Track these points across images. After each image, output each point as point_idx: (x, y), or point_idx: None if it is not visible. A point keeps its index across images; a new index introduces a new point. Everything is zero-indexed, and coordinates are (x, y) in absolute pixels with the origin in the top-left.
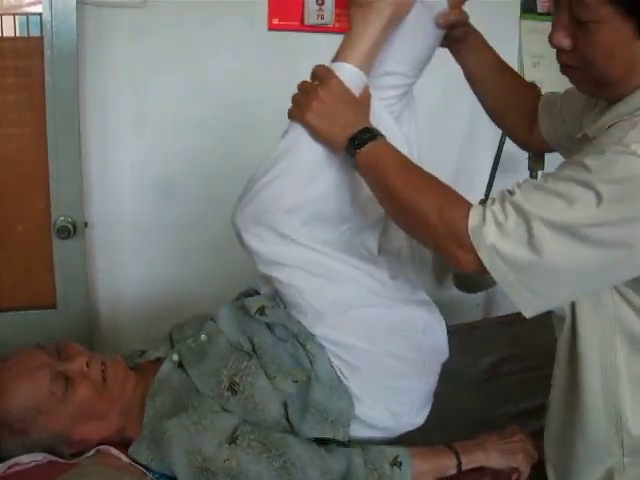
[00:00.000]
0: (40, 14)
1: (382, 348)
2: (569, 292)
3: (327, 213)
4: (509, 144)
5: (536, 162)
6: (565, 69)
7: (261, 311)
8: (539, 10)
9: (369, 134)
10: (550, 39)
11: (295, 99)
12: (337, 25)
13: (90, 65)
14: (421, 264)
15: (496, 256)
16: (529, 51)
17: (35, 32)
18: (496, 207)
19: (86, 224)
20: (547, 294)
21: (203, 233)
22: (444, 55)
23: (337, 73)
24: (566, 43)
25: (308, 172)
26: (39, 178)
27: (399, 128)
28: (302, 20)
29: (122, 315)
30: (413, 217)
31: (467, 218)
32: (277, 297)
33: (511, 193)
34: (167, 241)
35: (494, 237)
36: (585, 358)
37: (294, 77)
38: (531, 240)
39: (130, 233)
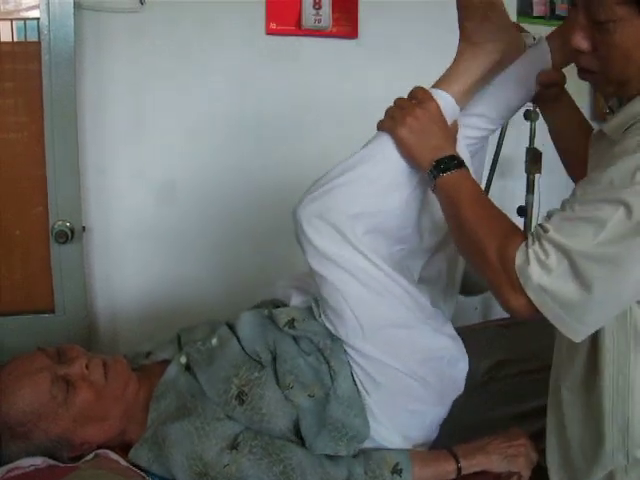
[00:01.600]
0: (38, 19)
1: (410, 370)
2: (617, 310)
3: (389, 229)
4: (507, 148)
5: (533, 166)
6: (583, 73)
7: (290, 324)
8: (535, 14)
9: (456, 162)
10: (570, 42)
11: (389, 112)
12: (334, 29)
13: (88, 69)
14: (451, 298)
15: (544, 294)
16: None
17: (33, 37)
18: (536, 246)
19: (84, 228)
20: (598, 320)
21: (201, 237)
22: (444, 58)
23: (435, 98)
24: (585, 45)
25: (384, 183)
26: (37, 182)
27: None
28: (299, 24)
29: (120, 319)
30: (475, 250)
31: (515, 258)
32: (314, 305)
33: (544, 229)
34: (165, 245)
35: (539, 276)
36: (604, 371)
37: (292, 81)
38: (576, 275)
39: (128, 237)
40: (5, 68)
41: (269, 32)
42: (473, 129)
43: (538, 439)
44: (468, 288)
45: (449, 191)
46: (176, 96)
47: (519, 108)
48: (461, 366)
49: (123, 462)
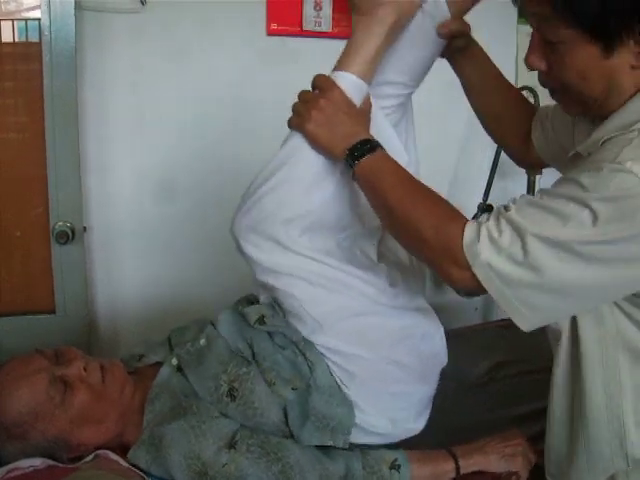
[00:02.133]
0: (39, 19)
1: (382, 356)
2: (567, 308)
3: (326, 222)
4: None
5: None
6: (551, 93)
7: (260, 321)
8: None
9: (368, 145)
10: (525, 61)
11: (295, 108)
12: (335, 30)
13: (88, 69)
14: (419, 269)
15: (491, 273)
16: (525, 56)
17: (34, 37)
18: (490, 223)
19: (85, 229)
20: (544, 310)
21: (202, 237)
22: (442, 60)
23: (338, 82)
24: (540, 65)
25: (307, 182)
26: (38, 183)
27: (398, 137)
28: (301, 25)
29: (121, 320)
30: (409, 232)
31: (462, 235)
32: (275, 306)
33: (506, 209)
34: (166, 245)
35: (489, 254)
36: (587, 373)
37: (292, 81)
38: (526, 257)
39: (129, 238)
40: (6, 68)
41: (270, 33)
42: (388, 98)
43: (537, 440)
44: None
45: (368, 176)
46: (177, 97)
47: (430, 66)
48: (437, 339)
49: (123, 463)
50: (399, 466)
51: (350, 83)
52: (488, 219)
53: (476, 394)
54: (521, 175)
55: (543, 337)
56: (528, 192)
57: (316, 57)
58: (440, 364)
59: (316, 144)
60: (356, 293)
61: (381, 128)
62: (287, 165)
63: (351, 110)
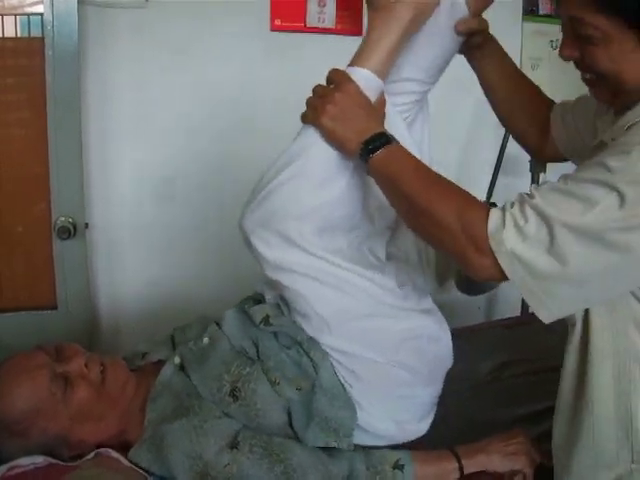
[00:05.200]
0: (41, 14)
1: (388, 358)
2: (590, 298)
3: (336, 220)
4: (511, 146)
5: (538, 165)
6: (584, 80)
7: (265, 321)
8: (541, 12)
9: (384, 139)
10: (560, 52)
11: (310, 102)
12: (338, 27)
13: (91, 65)
14: (427, 269)
15: (516, 261)
16: (528, 53)
17: (36, 32)
18: (515, 210)
19: (87, 225)
20: (568, 301)
21: (204, 234)
22: None
23: (353, 77)
24: (574, 55)
25: (319, 177)
26: (40, 178)
27: (411, 135)
28: (304, 21)
29: (122, 316)
30: (430, 222)
31: (486, 222)
32: (282, 304)
33: (530, 196)
34: (168, 242)
35: (514, 241)
36: (597, 365)
37: (296, 77)
38: (553, 245)
39: (131, 234)
40: (8, 64)
41: (273, 29)
42: (403, 95)
43: (543, 440)
44: (471, 287)
45: (384, 170)
46: (179, 93)
47: (448, 63)
48: (444, 342)
49: (124, 461)
50: (402, 466)
51: (365, 79)
52: (512, 206)
53: (480, 394)
54: (525, 173)
55: (546, 337)
56: None
57: (320, 53)
58: (446, 367)
59: (330, 138)
60: (364, 294)
61: (394, 125)
62: (299, 160)
63: (366, 105)
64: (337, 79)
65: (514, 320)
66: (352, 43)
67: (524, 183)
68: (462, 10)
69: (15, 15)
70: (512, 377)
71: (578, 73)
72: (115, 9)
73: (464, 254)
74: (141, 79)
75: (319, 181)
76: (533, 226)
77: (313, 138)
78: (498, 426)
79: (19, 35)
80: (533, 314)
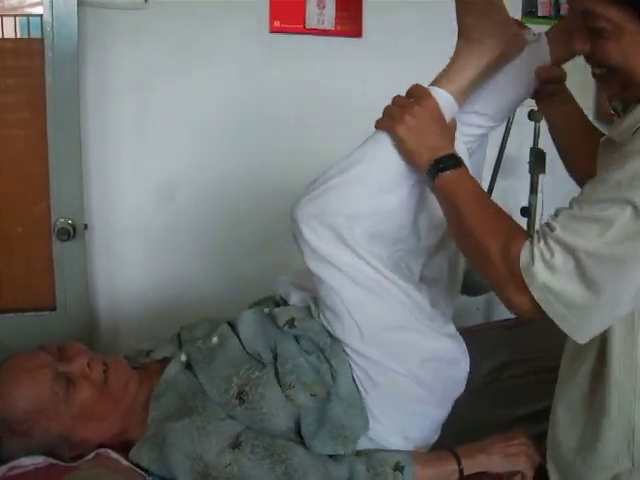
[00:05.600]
0: (41, 15)
1: (410, 372)
2: (622, 312)
3: (386, 229)
4: (510, 147)
5: (537, 166)
6: (594, 75)
7: (290, 323)
8: (540, 14)
9: (454, 160)
10: (571, 45)
11: (387, 110)
12: (338, 28)
13: (91, 67)
14: (452, 297)
15: (549, 294)
16: None
17: (36, 33)
18: (542, 245)
19: (86, 226)
20: (602, 322)
21: (203, 235)
22: (449, 58)
23: (434, 95)
24: (585, 48)
25: (382, 184)
26: (39, 180)
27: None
28: (304, 23)
29: (122, 317)
30: (477, 249)
31: (519, 258)
32: (312, 304)
33: (551, 228)
34: (167, 243)
35: (544, 275)
36: (614, 373)
37: (295, 79)
38: (582, 275)
39: (130, 235)
40: (8, 65)
41: (273, 30)
42: (472, 127)
43: (542, 440)
44: (470, 288)
45: (449, 190)
46: (179, 94)
47: (518, 105)
48: (462, 366)
49: (124, 461)
50: (403, 468)
51: (444, 99)
52: (539, 240)
53: (480, 395)
54: (524, 175)
55: (546, 338)
56: (531, 192)
57: (319, 55)
58: (458, 392)
59: (402, 148)
60: (400, 305)
61: (459, 151)
62: (366, 162)
63: (442, 124)
64: (418, 93)
65: (513, 321)
66: (352, 45)
67: (523, 185)
68: (545, 57)
69: (15, 16)
70: (512, 378)
71: (579, 74)
72: (114, 10)
73: (503, 289)
74: (140, 80)
75: (379, 189)
76: (560, 259)
77: (384, 145)
78: (498, 426)
79: (19, 36)
80: None
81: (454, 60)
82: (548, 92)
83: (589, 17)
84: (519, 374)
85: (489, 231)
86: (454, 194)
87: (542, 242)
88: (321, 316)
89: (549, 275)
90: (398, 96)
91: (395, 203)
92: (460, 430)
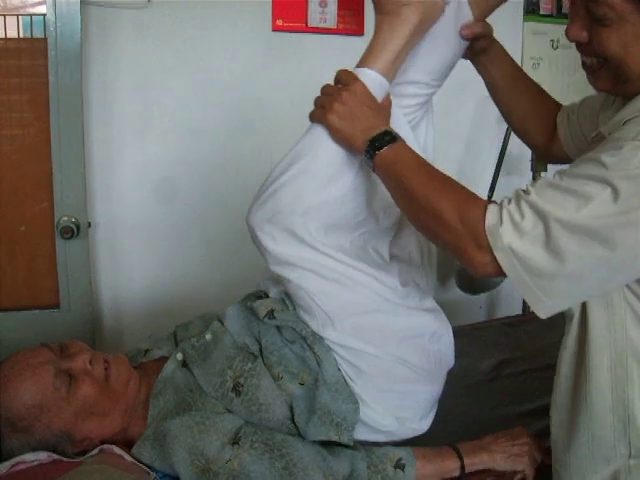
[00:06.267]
0: (44, 15)
1: (390, 354)
2: (587, 293)
3: (342, 217)
4: (513, 145)
5: (539, 164)
6: (585, 66)
7: (270, 315)
8: (542, 12)
9: (389, 137)
10: (567, 33)
11: (317, 101)
12: (340, 27)
13: (94, 66)
14: (430, 270)
15: (513, 257)
16: (529, 53)
17: (39, 33)
18: (512, 206)
19: (89, 224)
20: (564, 297)
21: (206, 233)
22: None
23: (361, 78)
24: (582, 36)
25: (326, 174)
26: (43, 178)
27: (416, 137)
28: (306, 21)
29: (125, 315)
30: (431, 217)
31: (484, 217)
32: (286, 299)
33: (526, 192)
34: (170, 241)
35: (511, 237)
36: (594, 357)
37: (297, 77)
38: (549, 241)
39: (133, 233)
40: (11, 64)
41: (275, 29)
42: (409, 97)
43: (543, 437)
44: (473, 287)
45: (388, 167)
46: (181, 93)
47: (452, 66)
48: (445, 339)
49: (127, 457)
50: (404, 465)
51: (373, 79)
52: (510, 202)
53: (481, 392)
54: (526, 172)
55: (547, 335)
56: None
57: (321, 53)
58: (447, 365)
59: (337, 136)
60: (368, 290)
61: (398, 126)
62: (306, 157)
63: (373, 104)
64: (345, 79)
65: (515, 318)
66: (354, 43)
67: (525, 182)
68: (467, 15)
69: (18, 15)
70: (513, 375)
71: (578, 73)
72: (118, 9)
73: (464, 250)
74: (143, 79)
75: (325, 178)
76: (529, 222)
77: (320, 136)
78: (499, 423)
79: (22, 35)
80: (534, 312)
81: (375, 36)
82: (478, 49)
83: (592, 3)
84: (520, 371)
85: (440, 197)
86: (395, 169)
87: (513, 204)
88: (296, 310)
89: (516, 238)
90: (326, 85)
91: (344, 190)
92: (461, 426)
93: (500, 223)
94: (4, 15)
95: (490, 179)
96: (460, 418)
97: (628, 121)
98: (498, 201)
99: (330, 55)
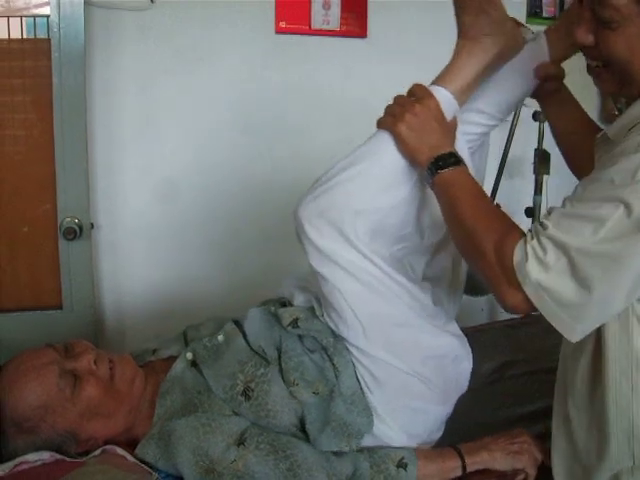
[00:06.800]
0: (47, 16)
1: (412, 368)
2: (616, 309)
3: (390, 226)
4: (515, 148)
5: (541, 167)
6: (590, 69)
7: (294, 323)
8: (544, 15)
9: (454, 159)
10: (573, 35)
11: (388, 109)
12: (343, 29)
13: (97, 67)
14: (456, 297)
15: (542, 292)
16: None
17: (42, 34)
18: (534, 242)
19: (92, 225)
20: (595, 318)
21: (208, 235)
22: (445, 58)
23: (435, 95)
24: (589, 39)
25: (385, 181)
26: (45, 179)
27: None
28: (309, 23)
29: (127, 316)
30: (473, 247)
31: (513, 254)
32: (315, 303)
33: (543, 227)
34: (173, 242)
35: (537, 273)
36: (607, 369)
37: (301, 80)
38: (574, 272)
39: (136, 234)
40: (14, 65)
41: (278, 31)
42: (473, 125)
43: (544, 439)
44: (475, 289)
45: (447, 188)
46: (184, 94)
47: (519, 103)
48: (465, 365)
49: (130, 458)
50: (406, 464)
51: (445, 98)
52: (532, 238)
53: (483, 394)
54: (528, 175)
55: (549, 338)
56: (536, 192)
57: (324, 55)
58: (461, 390)
59: (403, 146)
60: (402, 303)
61: (459, 150)
62: (368, 161)
63: (442, 122)
64: (419, 93)
65: (517, 320)
66: (357, 45)
67: (528, 185)
68: (544, 55)
69: (21, 17)
70: (515, 377)
71: (581, 75)
72: (121, 11)
73: (498, 286)
74: (146, 80)
75: (383, 185)
76: (552, 256)
77: (386, 143)
78: (500, 425)
79: (25, 36)
80: (535, 315)
81: (454, 59)
82: (547, 90)
83: (598, 5)
84: (522, 373)
85: (484, 228)
86: (452, 191)
87: (535, 240)
88: (325, 315)
89: (542, 272)
90: (399, 95)
91: (398, 200)
92: (462, 429)
93: (526, 260)
94: (8, 16)
95: (492, 182)
96: (462, 420)
97: (631, 129)
98: (502, 207)
99: (333, 57)
